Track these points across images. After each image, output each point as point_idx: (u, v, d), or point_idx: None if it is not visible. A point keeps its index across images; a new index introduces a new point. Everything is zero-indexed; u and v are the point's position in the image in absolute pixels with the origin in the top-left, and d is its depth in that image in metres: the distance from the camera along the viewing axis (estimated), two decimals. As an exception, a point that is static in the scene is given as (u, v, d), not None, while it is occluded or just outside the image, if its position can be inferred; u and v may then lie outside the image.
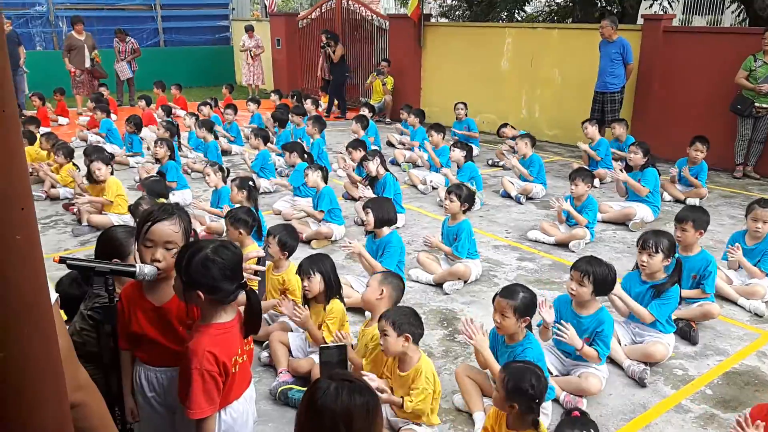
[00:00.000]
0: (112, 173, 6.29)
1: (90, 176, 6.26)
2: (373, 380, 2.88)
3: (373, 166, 6.41)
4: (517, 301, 3.09)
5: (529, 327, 3.23)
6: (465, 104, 9.80)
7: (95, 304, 2.52)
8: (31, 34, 15.73)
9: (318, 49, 13.65)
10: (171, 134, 8.01)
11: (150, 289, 2.39)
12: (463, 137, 9.58)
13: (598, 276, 3.42)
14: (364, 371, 3.12)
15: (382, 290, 3.33)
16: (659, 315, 3.76)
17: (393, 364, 3.09)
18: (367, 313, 3.63)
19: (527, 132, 7.86)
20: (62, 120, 11.86)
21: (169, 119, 9.46)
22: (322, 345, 3.26)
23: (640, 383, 3.60)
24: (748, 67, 7.85)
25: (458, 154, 6.98)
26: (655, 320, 3.79)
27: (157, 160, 7.22)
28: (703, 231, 4.32)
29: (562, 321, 3.39)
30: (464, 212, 5.02)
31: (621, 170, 6.47)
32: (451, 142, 7.70)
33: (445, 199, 5.03)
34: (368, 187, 6.42)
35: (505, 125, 9.45)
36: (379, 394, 2.80)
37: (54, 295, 1.32)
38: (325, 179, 6.05)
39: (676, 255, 3.94)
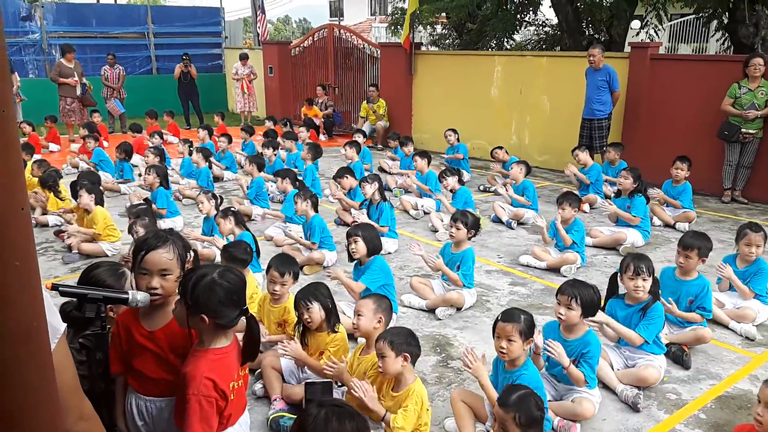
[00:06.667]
0: (101, 202, 6.27)
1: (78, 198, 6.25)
2: (360, 389, 2.89)
3: (370, 190, 6.39)
4: (521, 323, 3.11)
5: None
6: (454, 130, 9.85)
7: (87, 332, 2.51)
8: (24, 62, 15.82)
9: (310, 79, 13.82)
10: (159, 159, 8.01)
11: (145, 314, 2.39)
12: (451, 161, 9.65)
13: (585, 298, 3.45)
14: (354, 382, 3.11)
15: (380, 318, 3.33)
16: (648, 335, 3.78)
17: (387, 387, 3.08)
18: (360, 339, 3.61)
19: (522, 160, 7.94)
20: (53, 147, 11.86)
21: (157, 145, 9.46)
22: (307, 381, 3.24)
23: (634, 408, 3.59)
24: (734, 95, 7.99)
25: (452, 181, 7.01)
26: (645, 342, 3.80)
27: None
28: (705, 258, 4.38)
29: (549, 340, 3.40)
30: (469, 239, 5.02)
31: (610, 202, 6.56)
32: (442, 169, 7.66)
33: (451, 227, 4.99)
34: (363, 212, 6.42)
35: (500, 148, 9.33)
36: (363, 396, 2.80)
37: (62, 326, 1.32)
38: (315, 207, 5.99)
39: (676, 278, 4.03)
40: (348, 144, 9.05)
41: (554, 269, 5.77)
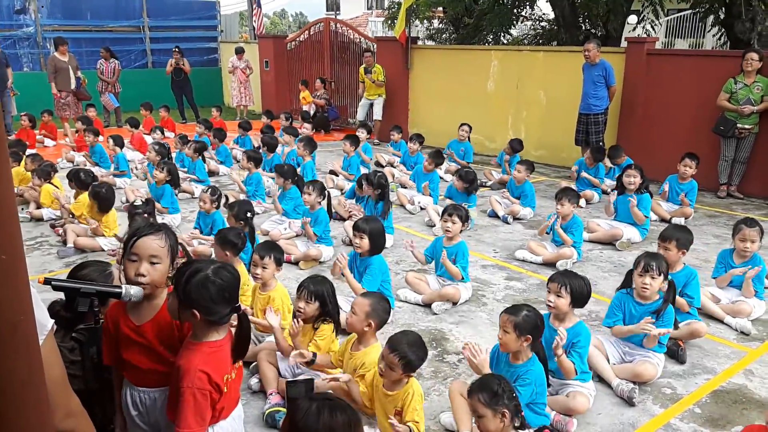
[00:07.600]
0: (111, 205, 6.23)
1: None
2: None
3: (368, 191, 6.32)
4: (518, 317, 3.09)
5: (542, 355, 3.22)
6: (470, 126, 9.78)
7: (80, 326, 2.49)
8: (18, 55, 15.73)
9: (307, 72, 13.77)
10: (162, 156, 7.95)
11: (132, 307, 2.38)
12: (453, 160, 9.60)
13: (574, 287, 3.48)
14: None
15: (370, 323, 3.29)
16: (663, 338, 3.80)
17: (379, 383, 3.07)
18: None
19: (527, 159, 7.90)
20: (48, 142, 11.80)
21: (161, 142, 9.41)
22: (288, 380, 3.23)
23: (629, 402, 3.59)
24: (729, 90, 7.99)
25: (460, 185, 7.00)
26: (660, 344, 3.82)
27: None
28: (685, 250, 4.37)
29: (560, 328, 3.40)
30: (460, 232, 5.03)
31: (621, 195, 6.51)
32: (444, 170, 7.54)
33: (446, 221, 4.94)
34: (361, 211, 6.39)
35: (519, 142, 9.12)
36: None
37: (50, 321, 1.31)
38: (326, 200, 5.98)
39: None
40: (346, 138, 8.99)
41: (550, 264, 5.77)
